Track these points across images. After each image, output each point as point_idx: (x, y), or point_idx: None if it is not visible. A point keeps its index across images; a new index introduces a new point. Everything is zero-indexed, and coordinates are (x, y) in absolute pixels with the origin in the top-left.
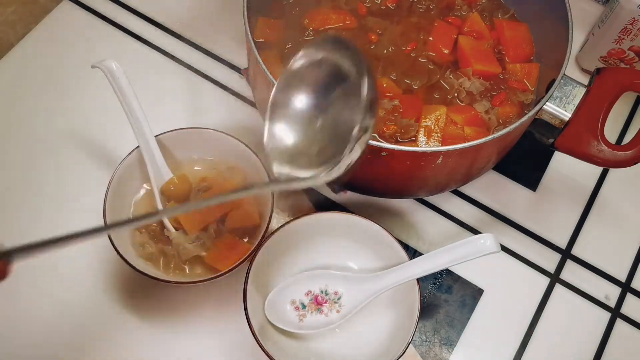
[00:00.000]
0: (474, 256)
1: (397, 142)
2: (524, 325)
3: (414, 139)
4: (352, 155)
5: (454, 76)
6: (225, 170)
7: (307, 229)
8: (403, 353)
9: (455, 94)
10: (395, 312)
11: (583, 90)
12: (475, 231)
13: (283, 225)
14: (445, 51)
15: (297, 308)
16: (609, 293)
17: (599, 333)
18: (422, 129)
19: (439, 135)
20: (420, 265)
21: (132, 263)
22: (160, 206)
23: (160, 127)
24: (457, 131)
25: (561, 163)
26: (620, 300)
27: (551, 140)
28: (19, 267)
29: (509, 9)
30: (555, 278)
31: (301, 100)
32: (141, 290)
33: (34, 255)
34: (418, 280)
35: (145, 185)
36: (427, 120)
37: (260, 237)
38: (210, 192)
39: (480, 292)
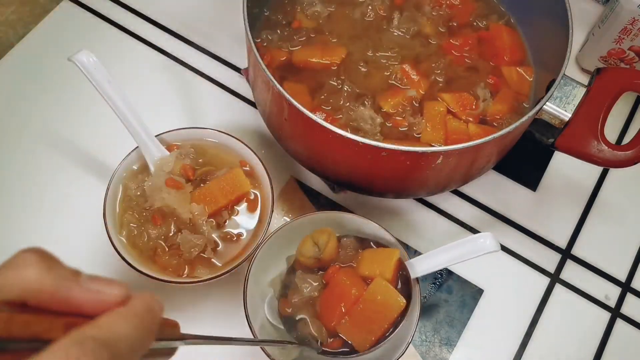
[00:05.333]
0: (474, 255)
1: (402, 139)
2: (524, 325)
3: (419, 135)
4: None
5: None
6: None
7: (307, 228)
8: (403, 353)
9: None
10: None
11: (583, 90)
12: (475, 231)
13: (283, 225)
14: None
15: None
16: (609, 293)
17: (599, 333)
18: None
19: (441, 131)
20: (419, 265)
21: (132, 263)
22: None
23: (160, 127)
24: (460, 126)
25: (561, 163)
26: (620, 300)
27: (551, 140)
28: None
29: (505, 13)
30: (555, 278)
31: None
32: (141, 290)
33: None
34: (418, 280)
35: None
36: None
37: (260, 237)
38: (207, 185)
39: (480, 292)
